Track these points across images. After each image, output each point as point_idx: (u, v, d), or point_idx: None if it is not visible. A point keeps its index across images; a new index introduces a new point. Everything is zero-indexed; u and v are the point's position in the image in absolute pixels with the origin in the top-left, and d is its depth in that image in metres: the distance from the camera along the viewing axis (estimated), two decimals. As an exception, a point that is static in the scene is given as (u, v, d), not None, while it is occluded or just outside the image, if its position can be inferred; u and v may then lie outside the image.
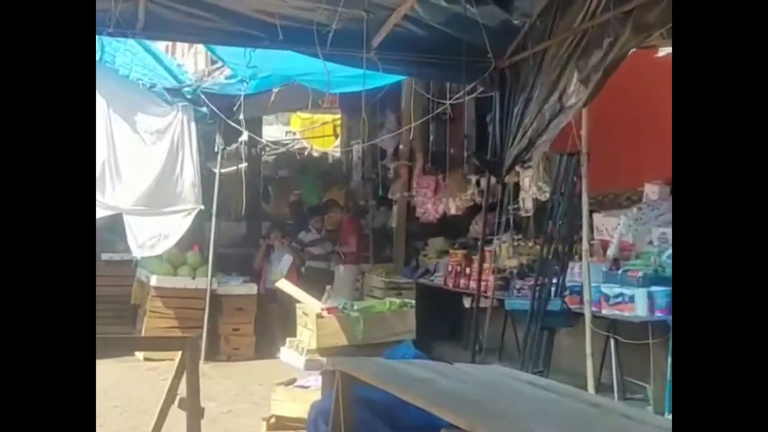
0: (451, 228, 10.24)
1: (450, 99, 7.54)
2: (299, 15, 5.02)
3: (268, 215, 14.34)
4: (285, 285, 8.39)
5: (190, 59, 15.39)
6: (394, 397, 4.18)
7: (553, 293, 7.16)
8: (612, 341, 6.87)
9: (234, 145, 9.53)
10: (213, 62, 11.29)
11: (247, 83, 8.61)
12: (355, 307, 8.23)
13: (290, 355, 8.49)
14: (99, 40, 8.77)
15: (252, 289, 9.84)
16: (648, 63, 5.85)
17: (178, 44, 15.73)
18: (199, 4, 4.87)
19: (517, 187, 8.80)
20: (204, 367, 8.79)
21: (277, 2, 4.87)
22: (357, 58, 5.11)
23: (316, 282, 9.43)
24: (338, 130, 14.42)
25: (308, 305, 8.30)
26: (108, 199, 9.17)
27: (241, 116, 8.29)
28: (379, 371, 4.53)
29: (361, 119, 7.14)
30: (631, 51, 4.50)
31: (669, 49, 5.00)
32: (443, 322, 9.75)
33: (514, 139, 5.59)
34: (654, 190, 7.43)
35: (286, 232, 11.36)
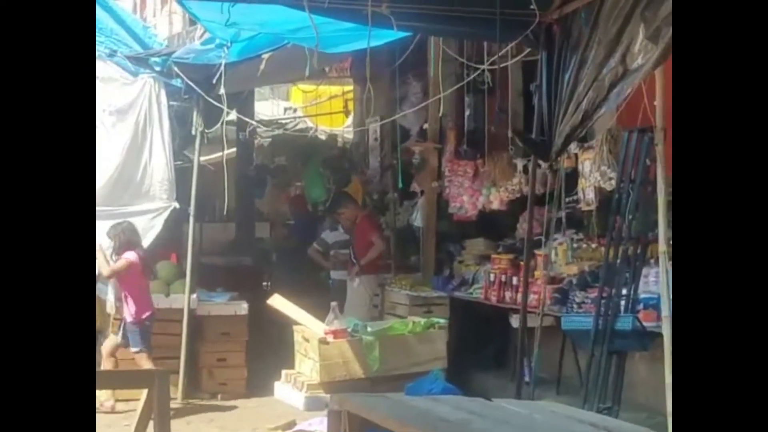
0: (493, 227, 10.21)
1: (487, 61, 7.49)
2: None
3: (262, 214, 14.41)
4: (279, 302, 8.40)
5: (164, 20, 15.47)
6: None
7: (623, 308, 7.15)
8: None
9: (215, 127, 9.54)
10: (192, 23, 11.30)
11: (228, 47, 8.62)
12: (369, 329, 8.23)
13: (287, 391, 8.52)
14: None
15: (241, 308, 9.79)
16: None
17: (148, 0, 15.86)
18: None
19: (575, 173, 8.73)
20: (183, 408, 8.85)
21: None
22: (363, 12, 5.11)
23: (338, 297, 9.47)
24: (350, 105, 14.43)
25: (309, 327, 8.30)
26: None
27: (222, 90, 8.29)
28: (397, 411, 4.53)
29: (367, 88, 7.05)
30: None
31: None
32: (485, 347, 9.71)
33: (565, 111, 5.53)
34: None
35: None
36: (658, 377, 6.41)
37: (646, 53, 4.81)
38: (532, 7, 5.40)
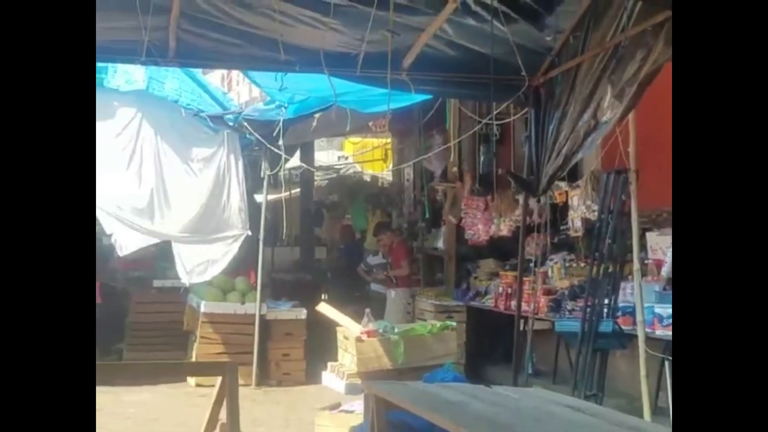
0: (501, 249, 10.16)
1: (494, 119, 7.51)
2: (330, 38, 5.08)
3: (320, 240, 14.50)
4: (325, 308, 8.46)
5: (245, 87, 15.70)
6: (432, 423, 4.16)
7: (605, 314, 7.06)
8: (667, 363, 6.72)
9: (275, 170, 9.66)
10: (259, 88, 11.47)
11: (285, 108, 8.73)
12: (396, 330, 8.23)
13: (332, 379, 8.55)
14: (146, 70, 9.05)
15: (301, 313, 9.88)
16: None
17: (234, 72, 16.10)
18: (228, 30, 4.97)
19: (566, 206, 8.71)
20: (255, 392, 8.92)
21: (307, 29, 4.93)
22: (386, 79, 5.14)
23: (377, 305, 9.53)
24: (389, 153, 14.51)
25: (348, 329, 8.33)
26: (157, 227, 9.37)
27: (280, 141, 8.39)
28: (412, 395, 4.53)
29: (398, 139, 7.08)
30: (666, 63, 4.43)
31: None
32: (497, 346, 9.65)
33: (549, 156, 5.52)
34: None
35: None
36: (634, 370, 6.38)
37: (613, 109, 4.80)
38: (522, 73, 5.41)
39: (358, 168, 16.25)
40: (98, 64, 8.87)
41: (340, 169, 16.50)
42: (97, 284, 10.88)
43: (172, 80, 9.36)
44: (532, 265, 8.41)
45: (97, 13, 4.75)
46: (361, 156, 15.94)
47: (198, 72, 9.70)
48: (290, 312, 9.88)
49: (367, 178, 15.63)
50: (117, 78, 9.18)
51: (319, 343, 9.75)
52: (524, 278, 8.26)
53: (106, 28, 5.09)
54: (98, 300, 10.10)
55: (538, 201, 6.82)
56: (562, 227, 9.01)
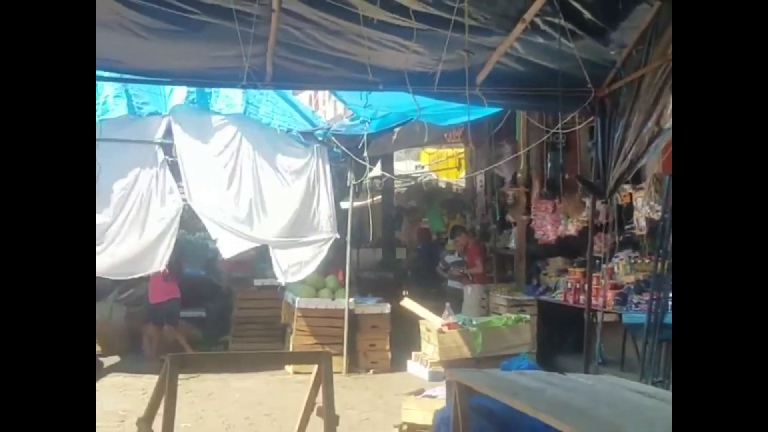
0: (568, 248, 10.02)
1: (561, 128, 7.44)
2: (410, 59, 5.12)
3: (400, 242, 14.55)
4: (409, 303, 8.49)
5: (330, 105, 15.94)
6: (511, 407, 4.15)
7: (669, 307, 6.93)
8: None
9: (360, 180, 9.77)
10: (345, 106, 11.62)
11: (368, 123, 8.82)
12: (474, 323, 8.21)
13: (416, 367, 8.57)
14: (244, 95, 9.30)
15: (385, 308, 9.96)
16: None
17: (320, 93, 16.38)
18: (319, 55, 5.04)
19: (631, 207, 8.57)
20: (345, 379, 9.02)
21: (391, 52, 4.98)
22: (463, 95, 5.16)
23: (453, 300, 9.54)
24: (462, 162, 14.47)
25: (430, 321, 8.35)
26: (255, 233, 9.57)
27: (365, 153, 8.47)
28: (491, 381, 4.50)
29: (470, 149, 7.06)
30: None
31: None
32: (567, 337, 9.52)
33: (615, 161, 5.45)
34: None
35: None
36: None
37: (674, 116, 4.72)
38: (588, 86, 5.35)
39: (434, 176, 16.24)
40: (204, 90, 9.18)
41: (417, 177, 16.51)
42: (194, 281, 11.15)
43: (266, 104, 9.61)
44: (599, 261, 8.28)
45: (204, 43, 4.95)
46: (437, 165, 15.95)
47: (290, 93, 9.89)
48: (375, 306, 9.99)
49: (443, 185, 15.60)
50: (219, 102, 9.47)
51: (402, 335, 9.78)
52: (592, 274, 8.19)
53: (212, 57, 5.25)
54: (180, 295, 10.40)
55: (606, 203, 6.70)
56: (627, 226, 8.86)
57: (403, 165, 17.03)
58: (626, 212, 8.79)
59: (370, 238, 12.16)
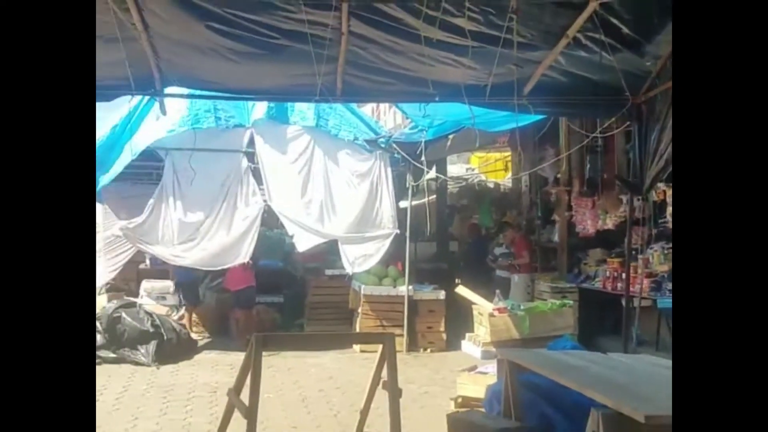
0: (606, 240, 9.84)
1: (599, 132, 7.32)
2: (464, 73, 5.11)
3: (453, 236, 14.49)
4: (462, 290, 8.47)
5: (390, 116, 15.99)
6: (555, 382, 4.12)
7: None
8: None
9: (418, 182, 9.77)
10: (405, 117, 11.65)
11: (425, 131, 8.81)
12: (522, 308, 8.14)
13: (470, 347, 8.54)
14: (315, 109, 9.41)
15: (440, 295, 9.95)
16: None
17: (382, 104, 16.46)
18: (383, 72, 5.07)
19: (664, 203, 8.37)
20: (406, 357, 9.05)
21: (447, 68, 4.97)
22: (511, 104, 5.13)
23: (501, 287, 9.49)
24: (508, 164, 14.34)
25: (482, 306, 8.31)
26: (326, 229, 9.69)
27: (422, 158, 8.47)
28: (539, 360, 4.49)
29: (517, 152, 6.99)
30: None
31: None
32: (605, 320, 9.36)
33: (651, 162, 5.32)
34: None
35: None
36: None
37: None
38: (626, 94, 5.25)
39: (483, 177, 16.14)
40: (282, 104, 9.33)
41: (468, 178, 16.44)
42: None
43: (334, 116, 9.74)
44: (635, 252, 8.11)
45: (283, 64, 5.03)
46: (485, 167, 15.84)
47: (355, 105, 9.96)
48: (432, 293, 9.99)
49: (491, 185, 15.46)
50: (294, 115, 9.64)
51: (455, 318, 9.79)
52: (630, 264, 8.04)
53: (290, 75, 5.33)
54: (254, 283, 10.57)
55: (643, 199, 6.57)
56: (660, 220, 8.64)
57: (455, 168, 16.96)
58: (660, 208, 8.58)
59: (427, 233, 12.16)
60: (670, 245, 8.70)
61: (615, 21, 4.36)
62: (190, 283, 10.75)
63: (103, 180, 9.38)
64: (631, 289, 7.48)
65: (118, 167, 9.23)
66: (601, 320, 9.41)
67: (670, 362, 4.84)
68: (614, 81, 5.05)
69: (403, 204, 10.21)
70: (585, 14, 4.29)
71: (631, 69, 4.98)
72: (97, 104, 5.68)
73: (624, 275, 8.30)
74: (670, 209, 8.28)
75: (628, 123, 6.29)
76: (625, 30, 4.45)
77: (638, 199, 6.47)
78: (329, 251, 10.75)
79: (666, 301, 7.73)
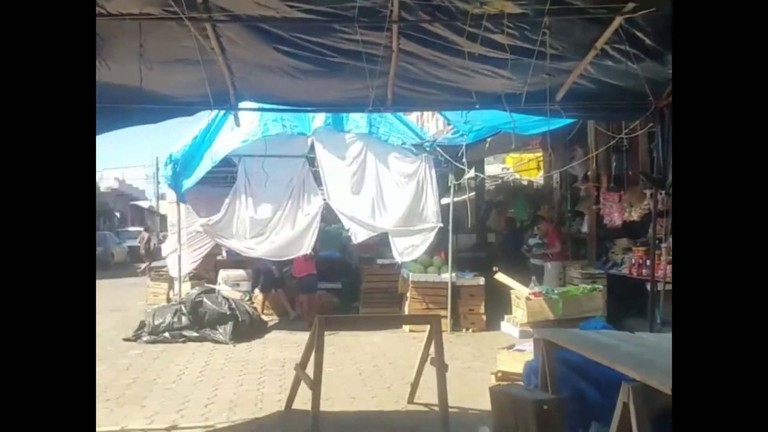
0: (632, 231, 9.62)
1: (625, 134, 7.17)
2: (502, 83, 5.07)
3: (491, 228, 14.38)
4: (501, 277, 8.40)
5: (433, 122, 15.94)
6: (587, 358, 4.07)
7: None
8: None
9: (459, 181, 9.72)
10: (447, 123, 11.61)
11: (466, 136, 8.77)
12: (555, 292, 8.02)
13: (508, 327, 8.47)
14: (367, 119, 9.46)
15: (480, 281, 9.89)
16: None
17: (426, 113, 16.41)
18: (429, 84, 5.05)
19: (684, 196, 8.16)
20: (450, 336, 9.03)
21: (486, 78, 4.94)
22: (545, 110, 5.06)
23: (535, 274, 9.40)
24: (540, 164, 14.14)
25: (519, 291, 8.23)
26: (378, 223, 9.74)
27: (463, 160, 8.43)
28: (573, 338, 4.42)
29: (548, 153, 6.88)
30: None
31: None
32: (631, 304, 9.11)
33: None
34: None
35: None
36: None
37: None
38: (649, 98, 5.13)
39: (517, 176, 15.95)
40: (338, 115, 9.42)
41: (504, 177, 16.28)
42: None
43: (384, 124, 9.80)
44: (659, 241, 7.90)
45: (341, 79, 5.08)
46: (519, 166, 15.63)
47: (403, 114, 9.98)
48: (472, 279, 9.95)
49: (524, 183, 15.30)
50: (349, 124, 9.73)
51: (493, 302, 9.73)
52: (655, 252, 7.83)
53: (346, 89, 5.36)
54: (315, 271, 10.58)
55: (666, 193, 6.41)
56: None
57: (492, 167, 16.82)
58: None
59: (467, 226, 12.10)
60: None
61: (639, 34, 4.26)
62: (266, 271, 11.01)
63: (186, 183, 9.68)
64: (655, 274, 7.32)
65: (199, 173, 9.50)
66: (628, 303, 9.18)
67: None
68: (638, 87, 4.93)
69: (445, 200, 10.19)
70: (611, 28, 4.21)
71: (653, 76, 4.85)
72: (180, 119, 5.87)
73: (648, 262, 8.20)
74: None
75: (651, 124, 6.14)
76: (648, 41, 4.34)
77: (661, 193, 6.31)
78: (381, 243, 10.82)
79: (688, 286, 7.51)
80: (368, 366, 7.57)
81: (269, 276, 11.01)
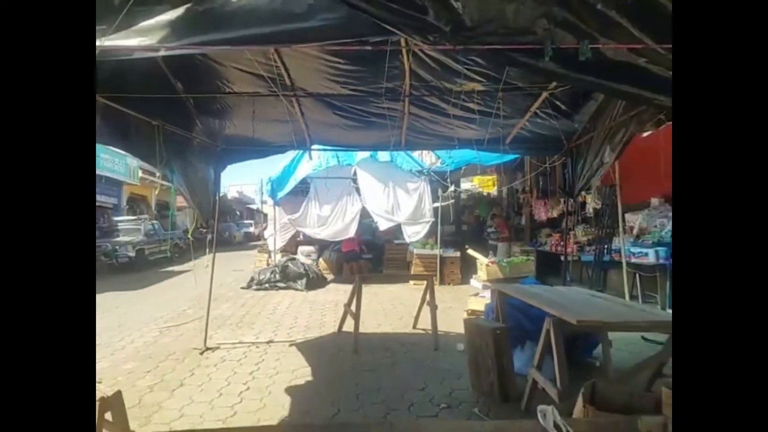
0: (552, 223, 9.51)
1: (548, 164, 7.08)
2: (473, 132, 5.03)
3: (464, 222, 14.27)
4: (471, 252, 8.34)
5: (428, 156, 15.77)
6: (525, 302, 4.06)
7: (605, 252, 6.49)
8: (637, 276, 6.03)
9: (445, 193, 9.66)
10: (437, 157, 11.52)
11: (449, 165, 8.75)
12: (504, 261, 7.96)
13: (475, 282, 8.43)
14: (390, 154, 9.43)
15: (457, 254, 9.79)
16: (648, 139, 5.09)
17: (425, 151, 16.16)
18: (427, 133, 5.01)
19: (585, 202, 8.04)
20: (439, 288, 8.83)
21: (462, 130, 4.90)
22: (500, 149, 5.02)
23: (492, 250, 9.30)
24: (495, 182, 13.98)
25: (482, 260, 8.18)
26: (395, 218, 9.71)
27: (448, 180, 8.38)
28: (515, 289, 4.41)
29: (501, 175, 6.76)
30: (636, 134, 3.98)
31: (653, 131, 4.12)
32: (551, 268, 9.03)
33: (579, 179, 5.12)
34: (655, 201, 6.50)
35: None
36: (620, 279, 5.75)
37: (610, 156, 4.37)
38: (564, 141, 5.06)
39: (481, 189, 15.76)
40: (372, 151, 9.42)
41: (472, 190, 16.09)
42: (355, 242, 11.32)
43: (400, 158, 9.70)
44: (569, 230, 7.81)
45: (372, 130, 5.07)
46: (483, 184, 15.45)
47: (411, 151, 9.94)
48: (453, 253, 9.78)
49: (486, 194, 15.11)
50: (379, 157, 9.72)
51: (465, 267, 9.63)
52: (566, 236, 7.72)
53: (376, 136, 5.35)
54: (359, 249, 10.54)
55: (574, 200, 6.33)
56: (582, 212, 8.32)
57: (465, 184, 16.59)
58: (582, 206, 8.26)
59: (450, 221, 12.06)
60: (588, 225, 8.35)
61: (557, 102, 4.23)
62: (326, 245, 11.07)
63: (279, 194, 9.82)
64: (567, 250, 7.24)
65: (288, 188, 9.65)
66: (549, 268, 9.11)
67: (588, 290, 4.67)
68: (556, 135, 4.89)
69: (436, 204, 10.17)
70: (540, 99, 4.19)
71: (566, 128, 4.80)
72: (274, 156, 5.89)
73: (562, 243, 8.11)
74: (587, 206, 7.96)
75: (564, 158, 6.07)
76: (563, 107, 4.31)
77: (570, 200, 6.25)
78: (397, 230, 10.81)
79: (586, 257, 7.41)
80: (388, 305, 7.59)
81: (325, 249, 11.06)
